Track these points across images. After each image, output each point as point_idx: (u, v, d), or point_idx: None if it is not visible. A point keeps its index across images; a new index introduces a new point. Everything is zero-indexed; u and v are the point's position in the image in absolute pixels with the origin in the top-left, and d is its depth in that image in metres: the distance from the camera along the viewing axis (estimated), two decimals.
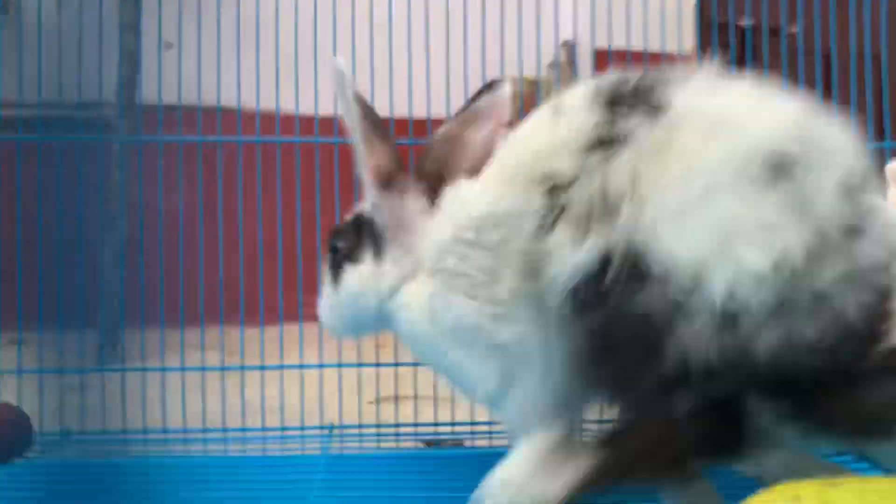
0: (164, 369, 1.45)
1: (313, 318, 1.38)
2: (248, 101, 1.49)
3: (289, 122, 1.54)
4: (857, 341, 0.77)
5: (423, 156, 1.07)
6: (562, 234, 0.87)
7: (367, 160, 1.06)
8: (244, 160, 1.48)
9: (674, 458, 0.79)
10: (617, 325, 0.79)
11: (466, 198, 1.01)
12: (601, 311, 0.80)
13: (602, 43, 1.56)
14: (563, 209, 0.88)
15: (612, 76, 0.95)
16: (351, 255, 1.09)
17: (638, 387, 0.79)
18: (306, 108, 1.50)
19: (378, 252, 1.08)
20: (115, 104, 2.15)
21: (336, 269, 1.11)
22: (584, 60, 3.39)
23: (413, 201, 1.07)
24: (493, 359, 0.99)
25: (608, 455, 0.81)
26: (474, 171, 1.05)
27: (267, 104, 1.50)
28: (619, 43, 1.56)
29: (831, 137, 0.84)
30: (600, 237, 0.82)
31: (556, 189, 0.89)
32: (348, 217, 1.14)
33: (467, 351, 1.00)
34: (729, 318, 0.76)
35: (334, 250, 1.12)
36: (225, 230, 1.49)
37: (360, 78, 1.11)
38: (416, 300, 1.04)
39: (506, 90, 1.10)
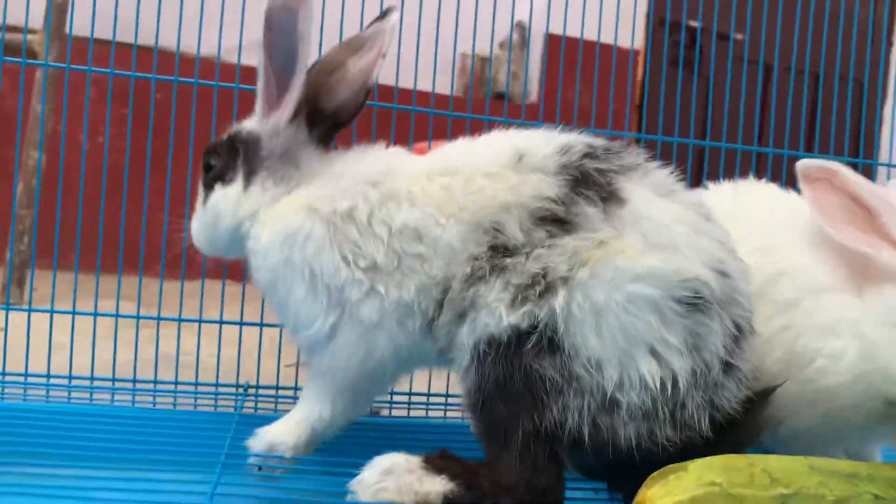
0: (74, 312, 1.38)
1: (238, 277, 1.34)
2: (189, 46, 1.42)
3: (230, 70, 1.48)
4: (700, 440, 0.90)
5: (306, 81, 1.06)
6: (496, 293, 0.92)
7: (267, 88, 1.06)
8: (179, 105, 1.42)
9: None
10: (519, 376, 0.89)
11: (397, 191, 0.99)
12: (512, 363, 0.89)
13: (556, 29, 1.56)
14: (501, 269, 0.92)
15: (582, 139, 0.99)
16: (223, 176, 1.09)
17: (515, 427, 0.89)
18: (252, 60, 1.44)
19: (249, 175, 1.07)
20: (42, 30, 2.03)
21: (207, 188, 1.10)
22: (537, 44, 3.40)
23: (297, 131, 1.08)
24: (333, 312, 1.00)
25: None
26: (351, 100, 1.09)
27: (209, 51, 1.44)
28: (572, 31, 1.56)
29: (744, 280, 0.95)
30: (535, 308, 0.89)
31: (499, 247, 0.94)
32: (224, 136, 1.12)
33: (312, 292, 1.00)
34: (611, 404, 0.88)
35: (207, 168, 1.11)
36: (152, 175, 1.43)
37: None
38: (275, 221, 1.03)
39: (392, 19, 1.11)
